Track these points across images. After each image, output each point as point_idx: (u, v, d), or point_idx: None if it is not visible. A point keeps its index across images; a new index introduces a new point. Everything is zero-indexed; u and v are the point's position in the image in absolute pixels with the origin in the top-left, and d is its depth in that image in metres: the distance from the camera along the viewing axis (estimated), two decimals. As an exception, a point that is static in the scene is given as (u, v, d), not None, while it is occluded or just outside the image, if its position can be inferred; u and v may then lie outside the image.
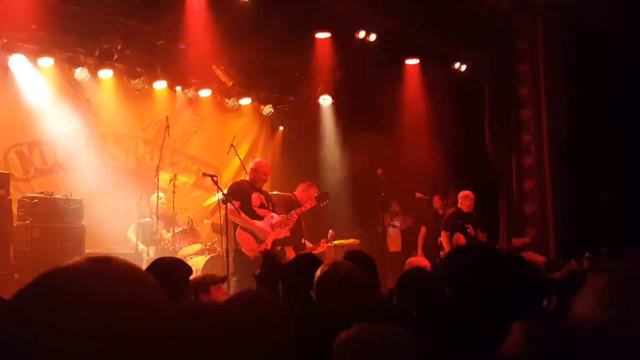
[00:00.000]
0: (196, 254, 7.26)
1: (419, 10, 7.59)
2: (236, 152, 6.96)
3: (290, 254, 6.45)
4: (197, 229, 7.68)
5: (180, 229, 7.45)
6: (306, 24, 7.81)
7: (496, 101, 9.02)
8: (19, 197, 6.65)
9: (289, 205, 6.70)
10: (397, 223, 9.51)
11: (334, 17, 7.82)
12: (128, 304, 0.76)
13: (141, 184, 7.78)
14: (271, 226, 6.23)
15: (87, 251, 6.69)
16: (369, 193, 8.78)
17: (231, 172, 8.98)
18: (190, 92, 8.92)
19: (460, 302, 2.05)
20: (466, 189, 7.76)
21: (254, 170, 6.43)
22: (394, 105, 9.26)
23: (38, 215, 6.44)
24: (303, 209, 6.53)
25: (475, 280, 1.96)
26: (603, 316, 0.78)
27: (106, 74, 8.00)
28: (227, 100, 9.35)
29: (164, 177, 7.37)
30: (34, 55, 7.41)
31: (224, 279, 3.94)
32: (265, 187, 6.75)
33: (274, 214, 6.33)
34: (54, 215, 6.55)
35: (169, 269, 3.19)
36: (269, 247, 6.10)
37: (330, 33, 8.19)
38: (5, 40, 7.16)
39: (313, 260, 2.91)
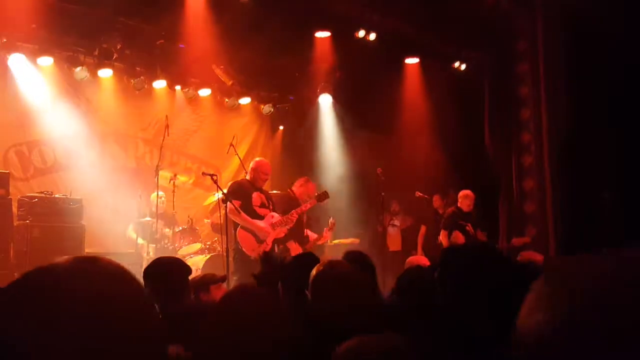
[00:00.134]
0: (196, 253, 7.26)
1: (419, 10, 7.59)
2: (236, 152, 6.96)
3: (293, 247, 6.47)
4: (197, 228, 7.69)
5: (180, 228, 7.45)
6: (306, 23, 7.81)
7: (496, 100, 9.01)
8: (18, 196, 6.64)
9: (288, 201, 6.69)
10: (397, 222, 9.51)
11: (334, 17, 7.82)
12: (112, 302, 0.77)
13: (141, 183, 7.78)
14: (272, 225, 6.23)
15: (87, 250, 6.69)
16: (368, 192, 8.78)
17: (231, 171, 8.98)
18: (190, 92, 8.92)
19: (457, 302, 2.05)
20: (466, 188, 7.77)
21: (254, 170, 6.43)
22: (394, 105, 9.26)
23: (38, 214, 6.44)
24: (303, 208, 6.53)
25: (474, 279, 1.96)
26: (542, 327, 0.72)
27: (106, 73, 8.00)
28: (226, 100, 9.35)
29: (164, 176, 7.37)
30: (33, 54, 7.40)
31: (224, 278, 3.94)
32: (265, 187, 6.75)
33: (274, 214, 6.33)
34: (53, 215, 6.54)
35: (169, 269, 3.20)
36: (269, 247, 6.11)
37: (330, 32, 8.19)
38: (5, 40, 7.16)
39: (313, 260, 2.91)
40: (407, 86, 9.34)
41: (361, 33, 8.17)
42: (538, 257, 4.49)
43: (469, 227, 7.45)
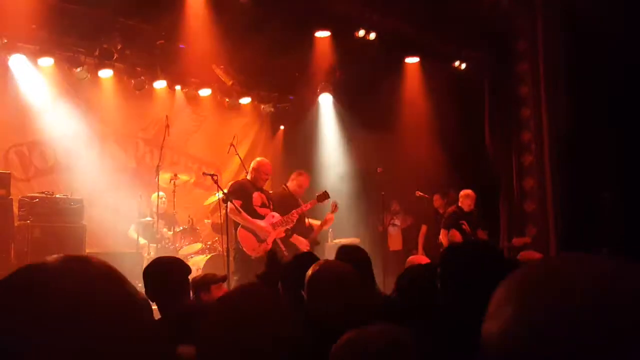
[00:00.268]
0: (197, 253, 7.27)
1: (419, 9, 7.59)
2: (236, 152, 6.97)
3: (296, 240, 6.47)
4: (198, 228, 7.69)
5: (181, 228, 7.46)
6: (306, 23, 7.81)
7: (496, 100, 9.01)
8: (19, 197, 6.65)
9: (283, 199, 6.68)
10: (397, 222, 9.51)
11: (334, 16, 7.82)
12: (101, 302, 0.77)
13: (141, 183, 7.79)
14: (272, 225, 6.24)
15: (87, 250, 6.70)
16: (369, 192, 8.78)
17: (231, 171, 8.99)
18: (190, 92, 8.93)
19: (457, 301, 2.05)
20: (466, 187, 7.77)
21: (255, 170, 6.43)
22: (394, 104, 9.26)
23: (39, 215, 6.45)
24: (304, 208, 6.53)
25: (474, 278, 1.96)
26: (505, 335, 0.69)
27: (106, 73, 8.01)
28: (227, 100, 9.35)
29: (164, 176, 7.39)
30: (34, 55, 7.41)
31: (224, 278, 3.95)
32: (266, 186, 6.75)
33: (275, 213, 6.33)
34: (54, 215, 6.55)
35: (168, 269, 3.20)
36: (269, 246, 6.11)
37: (330, 32, 8.18)
38: (5, 40, 7.17)
39: (312, 260, 2.91)
40: (407, 86, 9.33)
41: (361, 33, 8.17)
42: (537, 257, 4.50)
43: (465, 226, 7.45)
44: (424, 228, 8.90)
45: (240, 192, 6.20)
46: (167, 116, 7.41)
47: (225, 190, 6.11)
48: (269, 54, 8.22)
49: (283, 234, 6.33)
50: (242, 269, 5.95)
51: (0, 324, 0.73)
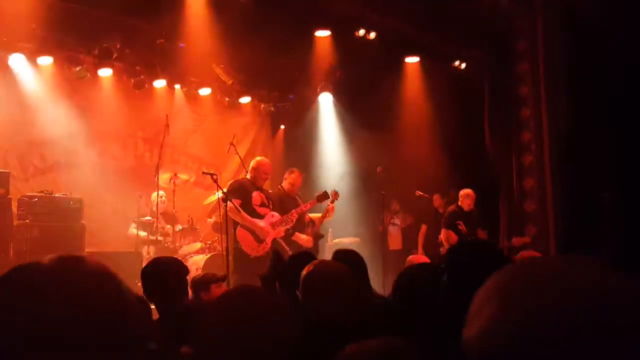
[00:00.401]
0: (196, 252, 7.26)
1: (419, 9, 7.58)
2: (236, 151, 6.96)
3: (298, 238, 6.47)
4: (197, 227, 7.69)
5: (181, 227, 7.46)
6: (306, 22, 7.80)
7: (496, 99, 9.00)
8: (18, 196, 6.64)
9: (280, 198, 6.68)
10: (397, 221, 9.51)
11: (334, 16, 7.81)
12: (94, 302, 0.77)
13: (141, 182, 7.78)
14: (271, 225, 6.23)
15: (86, 250, 6.70)
16: (369, 191, 8.78)
17: (231, 170, 8.98)
18: (190, 91, 8.92)
19: (459, 301, 2.05)
20: (466, 187, 7.77)
21: (255, 169, 6.43)
22: (394, 104, 9.26)
23: (38, 214, 6.44)
24: (303, 208, 6.53)
25: (476, 279, 1.96)
26: (487, 341, 0.68)
27: (106, 72, 8.00)
28: (226, 99, 9.34)
29: (164, 176, 7.38)
30: (33, 54, 7.41)
31: (224, 278, 3.95)
32: (265, 186, 6.75)
33: (274, 213, 6.33)
34: (53, 214, 6.55)
35: (166, 269, 3.20)
36: (268, 246, 6.11)
37: (330, 31, 8.18)
38: (5, 40, 7.16)
39: (310, 259, 2.91)
40: (407, 85, 9.33)
41: (361, 32, 8.16)
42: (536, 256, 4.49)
43: (462, 226, 7.45)
44: (423, 227, 8.90)
45: (240, 192, 6.20)
46: (166, 115, 7.40)
47: (225, 190, 6.11)
48: (269, 53, 8.21)
49: (283, 234, 6.33)
50: (241, 269, 5.95)
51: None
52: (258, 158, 6.78)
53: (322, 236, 6.95)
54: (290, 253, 5.66)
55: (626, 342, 0.64)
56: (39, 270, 0.79)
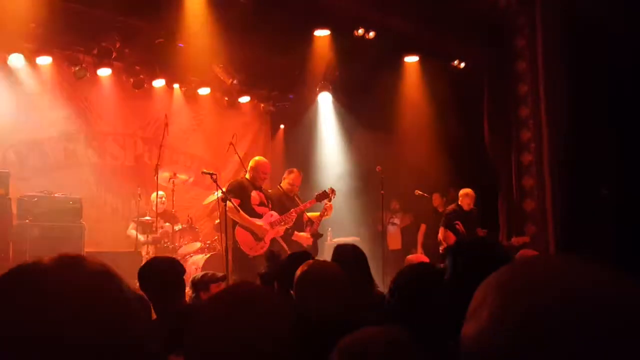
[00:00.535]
0: (196, 252, 7.26)
1: (418, 8, 7.58)
2: (235, 151, 6.96)
3: (298, 237, 6.47)
4: (197, 227, 7.69)
5: (180, 227, 7.45)
6: (305, 21, 7.80)
7: (496, 98, 9.00)
8: (18, 196, 6.64)
9: (279, 198, 6.68)
10: (396, 221, 9.51)
11: (333, 15, 7.81)
12: (94, 302, 0.77)
13: (140, 182, 7.78)
14: (270, 224, 6.24)
15: (86, 250, 6.70)
16: (368, 191, 8.78)
17: (230, 170, 8.98)
18: (189, 90, 8.91)
19: (460, 301, 2.04)
20: (466, 186, 7.77)
21: (253, 169, 6.43)
22: (393, 103, 9.26)
23: (37, 214, 6.44)
24: (302, 207, 6.53)
25: (479, 278, 1.95)
26: (485, 340, 0.68)
27: (105, 72, 8.00)
28: (226, 98, 9.34)
29: (164, 175, 7.38)
30: (32, 54, 7.40)
31: (224, 278, 3.95)
32: (265, 186, 6.75)
33: (273, 212, 6.33)
34: (53, 214, 6.55)
35: (163, 269, 3.21)
36: (267, 245, 6.12)
37: (329, 31, 8.18)
38: (4, 39, 7.15)
39: (307, 259, 2.91)
40: (406, 84, 9.33)
41: (360, 31, 8.16)
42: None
43: (459, 226, 7.46)
44: (423, 227, 8.91)
45: (239, 191, 6.20)
46: (166, 115, 7.40)
47: (224, 189, 6.11)
48: (269, 52, 8.22)
49: (282, 233, 6.33)
50: (240, 268, 5.95)
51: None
52: (257, 158, 6.78)
53: (320, 235, 6.96)
54: (289, 252, 5.66)
55: (626, 342, 0.64)
56: (39, 270, 0.79)
